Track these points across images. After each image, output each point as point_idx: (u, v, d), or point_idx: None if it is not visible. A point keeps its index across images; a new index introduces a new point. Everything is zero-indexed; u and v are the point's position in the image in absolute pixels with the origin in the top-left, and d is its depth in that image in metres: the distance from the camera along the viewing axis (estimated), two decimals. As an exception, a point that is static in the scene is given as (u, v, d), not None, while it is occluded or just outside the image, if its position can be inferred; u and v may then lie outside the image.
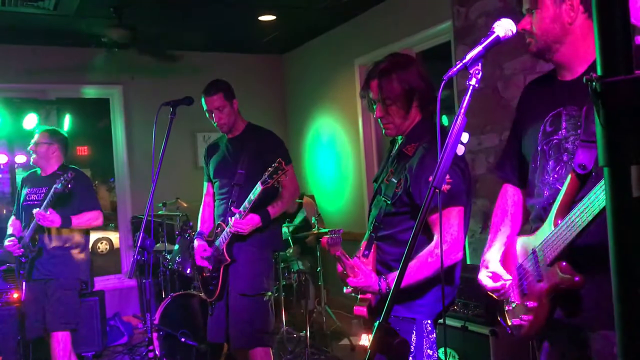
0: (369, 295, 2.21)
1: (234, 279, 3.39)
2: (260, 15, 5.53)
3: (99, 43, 5.31)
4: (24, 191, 4.18)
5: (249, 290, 3.36)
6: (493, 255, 1.93)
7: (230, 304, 3.39)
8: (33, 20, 5.14)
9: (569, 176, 1.64)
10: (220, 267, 3.40)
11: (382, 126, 2.25)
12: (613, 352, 1.59)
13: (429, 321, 2.11)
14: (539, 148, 1.82)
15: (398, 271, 1.44)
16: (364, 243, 2.30)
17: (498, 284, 1.85)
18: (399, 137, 2.27)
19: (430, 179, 1.96)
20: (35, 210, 3.82)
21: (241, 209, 3.23)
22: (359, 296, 2.25)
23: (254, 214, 3.28)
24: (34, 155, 4.12)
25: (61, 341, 4.01)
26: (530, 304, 1.75)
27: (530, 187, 1.89)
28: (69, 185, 3.76)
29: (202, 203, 3.75)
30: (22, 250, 4.02)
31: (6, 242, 4.09)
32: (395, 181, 2.14)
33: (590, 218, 1.49)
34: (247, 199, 3.21)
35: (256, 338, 3.39)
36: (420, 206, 2.03)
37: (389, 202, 2.15)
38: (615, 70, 0.70)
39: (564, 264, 1.62)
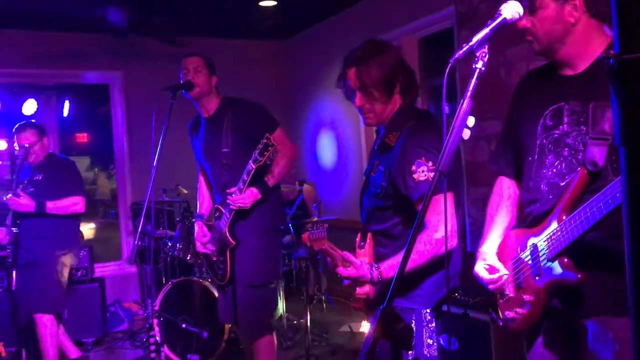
0: (365, 290, 2.18)
1: (240, 269, 3.31)
2: (261, 0, 5.48)
3: (99, 28, 5.27)
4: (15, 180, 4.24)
5: (255, 281, 3.29)
6: (489, 248, 1.92)
7: (239, 295, 3.33)
8: (33, 5, 5.09)
9: (579, 173, 1.63)
10: (226, 251, 3.32)
11: (362, 116, 2.18)
12: (609, 337, 1.60)
13: (428, 310, 2.09)
14: (538, 142, 1.80)
15: (396, 264, 1.41)
16: (359, 234, 2.27)
17: (495, 276, 1.83)
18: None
19: (414, 167, 1.96)
20: (7, 196, 3.93)
21: (240, 185, 3.12)
22: (355, 291, 2.22)
23: (252, 187, 3.15)
24: (31, 157, 4.18)
25: (46, 324, 4.08)
26: (527, 297, 1.75)
27: (525, 181, 1.87)
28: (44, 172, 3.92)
29: (199, 182, 3.63)
30: (7, 237, 4.09)
31: None
32: (382, 170, 2.10)
33: (602, 215, 1.49)
34: (241, 180, 3.09)
35: (261, 329, 3.37)
36: (404, 197, 2.02)
37: (377, 193, 2.12)
38: (632, 47, 0.68)
39: (566, 260, 1.63)
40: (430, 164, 1.95)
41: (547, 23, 1.68)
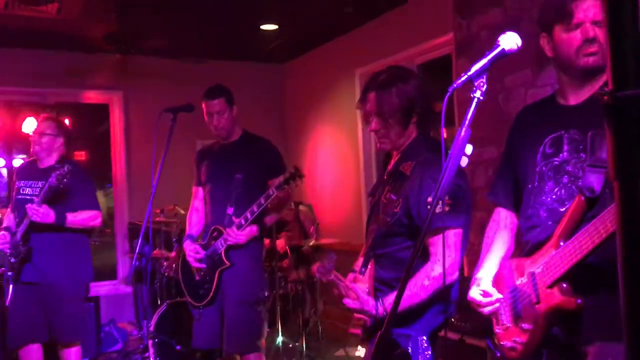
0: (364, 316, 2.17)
1: (231, 286, 3.36)
2: (263, 24, 5.55)
3: (99, 48, 5.33)
4: (18, 183, 3.88)
5: (246, 297, 3.35)
6: (485, 274, 1.92)
7: (226, 311, 3.36)
8: (34, 24, 5.14)
9: (576, 199, 1.64)
10: (215, 271, 3.36)
11: (376, 140, 2.20)
12: None
13: (424, 337, 2.07)
14: (537, 169, 1.82)
15: (396, 293, 1.42)
16: (360, 259, 2.27)
17: (490, 299, 1.84)
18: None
19: (430, 199, 1.96)
20: (28, 207, 3.55)
21: (242, 219, 3.21)
22: (353, 317, 2.22)
23: (253, 225, 3.28)
24: (35, 147, 3.81)
25: (77, 356, 3.82)
26: (526, 325, 1.73)
27: (524, 209, 1.88)
28: (65, 180, 3.48)
29: (190, 207, 3.69)
30: (10, 249, 3.66)
31: None
32: (395, 198, 2.09)
33: (600, 241, 1.50)
34: (250, 211, 3.18)
35: (251, 345, 3.38)
36: (417, 227, 2.01)
37: (388, 221, 2.11)
38: (626, 84, 0.70)
39: (565, 285, 1.62)
40: (446, 197, 1.95)
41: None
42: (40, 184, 3.75)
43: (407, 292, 1.93)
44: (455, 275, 2.03)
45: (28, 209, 3.57)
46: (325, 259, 2.12)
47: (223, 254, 3.32)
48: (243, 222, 3.20)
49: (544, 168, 1.80)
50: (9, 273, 3.68)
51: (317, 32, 5.94)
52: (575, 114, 1.75)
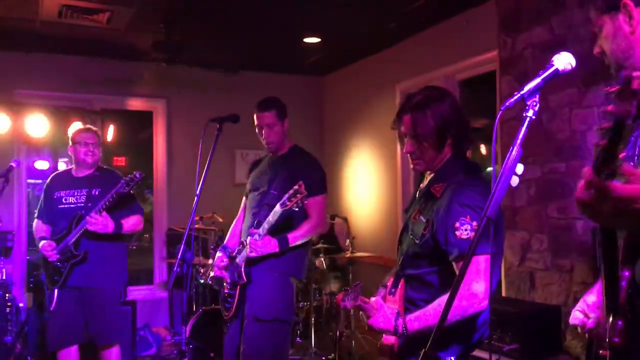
0: (391, 340, 2.16)
1: (250, 302, 3.29)
2: (306, 37, 5.60)
3: (146, 57, 5.46)
4: (56, 194, 3.93)
5: (263, 315, 3.23)
6: (595, 292, 1.79)
7: (245, 327, 3.29)
8: (85, 32, 5.29)
9: None
10: (237, 286, 3.31)
11: (410, 161, 2.18)
12: None
13: (452, 358, 2.05)
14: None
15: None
16: (390, 279, 2.25)
17: (579, 317, 1.73)
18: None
19: (457, 224, 1.93)
20: (89, 217, 3.64)
21: (260, 230, 3.15)
22: (382, 338, 2.21)
23: (273, 237, 3.18)
24: (88, 158, 3.89)
25: (116, 356, 3.91)
26: (603, 352, 1.58)
27: None
28: (133, 186, 3.64)
29: (237, 216, 3.68)
30: (58, 255, 3.76)
31: (41, 245, 3.81)
32: (424, 220, 2.08)
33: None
34: (266, 221, 3.13)
35: None
36: (444, 251, 1.99)
37: (416, 242, 2.10)
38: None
39: (611, 320, 1.50)
40: (474, 223, 1.92)
41: (609, 41, 1.62)
42: (83, 192, 3.89)
43: (435, 312, 1.92)
44: (484, 303, 1.95)
45: (88, 220, 3.66)
46: (351, 288, 2.13)
47: (242, 269, 3.26)
48: (261, 231, 3.14)
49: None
50: (55, 278, 3.81)
51: (359, 46, 5.96)
52: None
